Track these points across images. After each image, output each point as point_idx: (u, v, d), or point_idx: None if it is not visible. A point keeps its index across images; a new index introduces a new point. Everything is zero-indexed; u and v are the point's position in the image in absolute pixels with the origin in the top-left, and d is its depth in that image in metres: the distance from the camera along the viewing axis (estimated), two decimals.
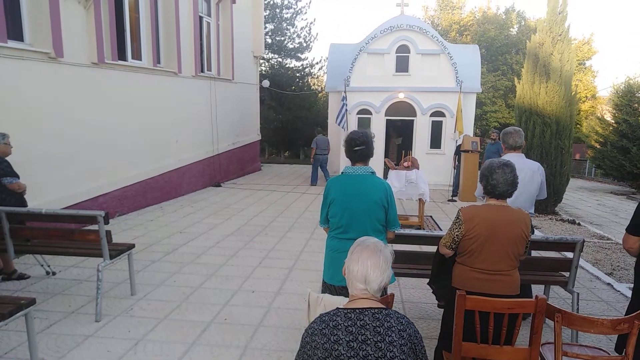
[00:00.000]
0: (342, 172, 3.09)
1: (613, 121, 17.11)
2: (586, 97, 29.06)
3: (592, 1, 56.97)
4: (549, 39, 10.15)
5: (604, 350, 2.75)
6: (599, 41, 41.84)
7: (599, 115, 20.14)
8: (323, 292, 3.15)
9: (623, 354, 2.37)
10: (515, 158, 4.03)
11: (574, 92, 10.48)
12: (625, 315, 2.83)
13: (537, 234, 3.65)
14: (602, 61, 46.33)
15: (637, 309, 2.70)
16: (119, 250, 4.45)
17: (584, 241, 3.69)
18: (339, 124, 12.93)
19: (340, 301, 2.43)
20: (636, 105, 16.09)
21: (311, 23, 29.96)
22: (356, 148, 3.01)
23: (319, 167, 13.66)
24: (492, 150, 11.17)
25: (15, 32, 6.43)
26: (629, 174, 15.48)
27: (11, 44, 6.14)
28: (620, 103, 16.42)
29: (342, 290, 2.91)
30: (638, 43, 54.46)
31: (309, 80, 29.28)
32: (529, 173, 3.97)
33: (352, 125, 13.25)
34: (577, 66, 24.51)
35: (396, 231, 3.14)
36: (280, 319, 4.21)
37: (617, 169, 15.95)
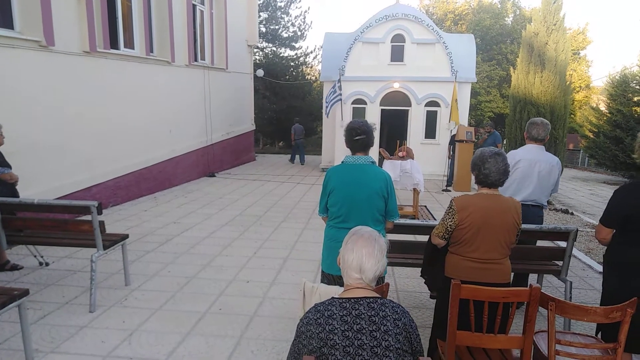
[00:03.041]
0: (342, 162, 3.07)
1: (607, 111, 17.17)
2: (580, 87, 29.13)
3: None
4: (544, 28, 10.14)
5: (596, 338, 2.78)
6: (593, 31, 41.91)
7: (593, 105, 20.19)
8: (322, 281, 3.15)
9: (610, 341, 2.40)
10: (535, 150, 4.03)
11: (568, 82, 10.51)
12: (600, 303, 2.86)
13: (529, 225, 3.66)
14: (596, 51, 46.40)
15: (610, 297, 2.72)
16: (113, 240, 4.43)
17: (577, 230, 3.70)
18: (326, 110, 12.95)
19: (335, 291, 2.43)
20: (630, 95, 16.15)
21: (305, 11, 29.83)
22: (357, 137, 2.99)
23: (297, 149, 16.93)
24: (488, 142, 11.17)
25: (5, 19, 6.33)
26: (622, 164, 15.59)
27: (1, 31, 6.04)
28: (614, 93, 16.47)
29: (340, 280, 2.90)
30: (632, 33, 54.50)
31: (304, 69, 29.12)
32: (548, 166, 3.97)
33: (347, 115, 13.21)
34: (571, 56, 24.51)
35: (395, 221, 3.14)
36: (275, 308, 4.22)
37: (611, 159, 16.05)
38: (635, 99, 16.04)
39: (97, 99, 7.84)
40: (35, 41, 6.49)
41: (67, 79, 7.15)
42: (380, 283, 2.68)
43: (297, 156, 17.03)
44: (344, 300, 1.74)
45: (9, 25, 6.39)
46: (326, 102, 12.99)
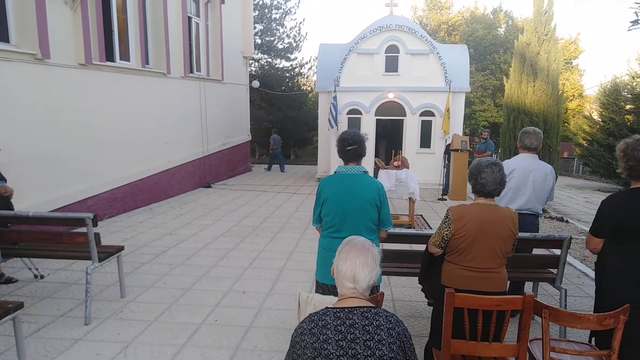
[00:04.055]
0: (335, 172, 3.10)
1: (600, 119, 17.33)
2: (573, 95, 29.41)
3: (579, 1, 57.59)
4: (535, 38, 10.26)
5: (591, 346, 2.79)
6: (585, 40, 42.37)
7: (586, 113, 20.38)
8: (316, 291, 3.16)
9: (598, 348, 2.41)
10: (529, 159, 4.07)
11: (561, 91, 10.61)
12: (594, 311, 2.88)
13: (523, 233, 3.67)
14: (588, 60, 46.97)
15: (604, 305, 2.75)
16: (108, 252, 4.42)
17: (571, 238, 3.73)
18: (333, 123, 12.94)
19: (329, 300, 2.44)
20: (622, 103, 16.32)
21: (300, 23, 30.03)
22: (349, 147, 3.02)
23: (275, 158, 17.87)
24: (481, 149, 11.27)
25: (1, 33, 6.36)
26: (615, 171, 15.67)
27: None
28: (606, 101, 16.64)
29: (335, 289, 2.90)
30: (623, 42, 55.18)
31: (299, 80, 29.29)
32: (542, 175, 4.01)
33: (342, 125, 13.27)
34: (564, 65, 24.79)
35: (388, 230, 3.16)
36: (271, 319, 4.21)
37: (604, 167, 16.17)
38: (627, 107, 16.21)
39: (93, 111, 7.86)
40: (31, 54, 6.52)
41: (63, 91, 7.17)
42: (374, 292, 2.70)
43: (275, 165, 18.04)
44: (338, 309, 1.75)
45: (5, 38, 6.42)
46: (331, 118, 12.99)
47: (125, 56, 9.22)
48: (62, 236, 4.35)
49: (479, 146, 11.50)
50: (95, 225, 4.09)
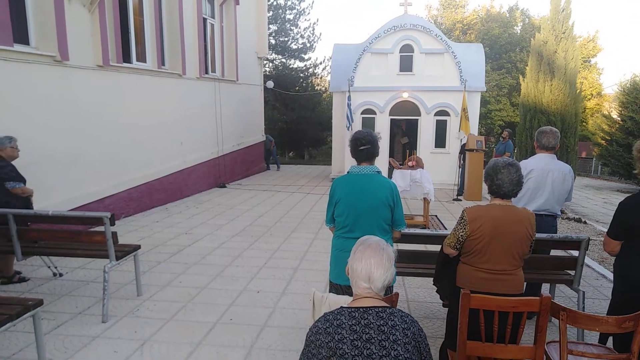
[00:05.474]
0: (348, 172, 3.10)
1: (619, 119, 17.01)
2: (592, 94, 28.92)
3: None
4: (553, 37, 10.13)
5: (609, 349, 2.74)
6: (604, 38, 41.59)
7: (605, 112, 20.03)
8: (330, 291, 3.16)
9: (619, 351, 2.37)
10: (547, 159, 4.01)
11: (579, 90, 10.47)
12: (608, 312, 2.83)
13: (540, 234, 3.63)
14: (607, 58, 46.15)
15: (621, 307, 2.70)
16: (125, 251, 4.48)
17: (589, 239, 3.68)
18: (348, 123, 12.89)
19: (344, 300, 2.44)
20: None
21: (314, 23, 29.98)
22: (362, 147, 3.01)
23: (271, 156, 18.44)
24: (499, 150, 11.11)
25: (21, 35, 6.48)
26: (634, 172, 15.38)
27: (17, 47, 6.18)
28: (626, 100, 16.32)
29: (348, 290, 2.91)
30: None
31: (313, 80, 29.31)
32: (560, 175, 3.95)
33: (357, 125, 13.24)
34: (582, 64, 24.41)
35: (402, 230, 3.14)
36: (285, 319, 4.22)
37: (624, 167, 15.86)
38: None
39: (110, 112, 7.97)
40: (50, 56, 6.63)
41: (81, 92, 7.28)
42: (389, 293, 2.69)
43: (272, 164, 18.59)
44: (353, 309, 1.75)
45: (25, 40, 6.54)
46: (347, 118, 12.98)
47: (141, 57, 9.33)
48: (81, 235, 4.42)
49: (498, 147, 11.34)
50: (112, 224, 4.15)
